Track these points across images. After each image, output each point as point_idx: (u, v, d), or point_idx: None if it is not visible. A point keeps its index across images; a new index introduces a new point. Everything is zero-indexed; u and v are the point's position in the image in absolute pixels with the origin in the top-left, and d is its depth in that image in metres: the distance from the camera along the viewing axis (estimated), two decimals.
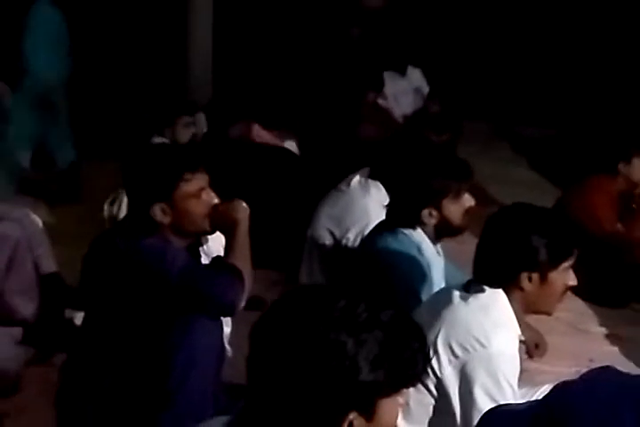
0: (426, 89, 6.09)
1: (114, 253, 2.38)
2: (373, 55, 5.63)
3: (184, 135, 4.24)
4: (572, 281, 2.08)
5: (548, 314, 2.21)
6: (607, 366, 1.16)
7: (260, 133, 4.49)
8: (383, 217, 2.95)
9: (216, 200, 2.40)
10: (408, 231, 2.74)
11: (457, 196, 2.76)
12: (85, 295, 2.56)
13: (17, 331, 3.12)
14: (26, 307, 3.20)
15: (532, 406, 1.11)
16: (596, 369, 1.14)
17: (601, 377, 1.10)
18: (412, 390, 1.35)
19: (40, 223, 3.46)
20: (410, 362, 1.29)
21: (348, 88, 5.56)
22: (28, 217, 3.44)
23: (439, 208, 2.73)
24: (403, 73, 5.83)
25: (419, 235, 2.74)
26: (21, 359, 3.04)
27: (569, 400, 1.03)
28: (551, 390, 1.12)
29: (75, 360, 2.51)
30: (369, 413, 1.24)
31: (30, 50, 5.23)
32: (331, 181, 3.64)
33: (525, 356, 2.96)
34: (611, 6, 6.77)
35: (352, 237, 3.26)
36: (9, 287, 3.15)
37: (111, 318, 2.38)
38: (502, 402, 1.85)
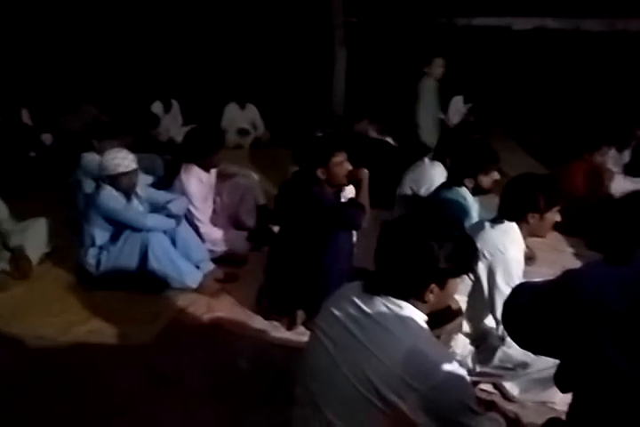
0: (466, 107, 5.94)
1: (297, 194, 2.42)
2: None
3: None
4: (558, 218, 2.01)
5: (542, 237, 2.11)
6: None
7: (373, 134, 4.50)
8: (441, 181, 2.88)
9: (350, 167, 2.41)
10: (458, 188, 2.70)
11: (488, 172, 2.66)
12: (280, 216, 2.59)
13: (245, 233, 3.30)
14: (250, 221, 3.38)
15: (547, 281, 0.99)
16: (589, 262, 1.03)
17: (592, 265, 1.00)
18: None
19: (256, 177, 3.54)
20: (467, 259, 1.31)
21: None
22: (250, 174, 3.57)
23: (476, 178, 2.66)
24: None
25: (464, 191, 2.70)
26: (247, 248, 3.22)
27: (576, 274, 0.96)
28: (561, 273, 0.98)
29: (274, 250, 2.61)
30: (442, 286, 1.27)
31: None
32: (411, 160, 3.59)
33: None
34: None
35: (423, 191, 3.22)
36: (241, 211, 3.35)
37: (294, 229, 2.44)
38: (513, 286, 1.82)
